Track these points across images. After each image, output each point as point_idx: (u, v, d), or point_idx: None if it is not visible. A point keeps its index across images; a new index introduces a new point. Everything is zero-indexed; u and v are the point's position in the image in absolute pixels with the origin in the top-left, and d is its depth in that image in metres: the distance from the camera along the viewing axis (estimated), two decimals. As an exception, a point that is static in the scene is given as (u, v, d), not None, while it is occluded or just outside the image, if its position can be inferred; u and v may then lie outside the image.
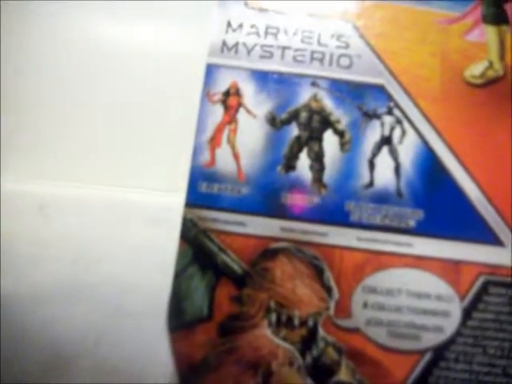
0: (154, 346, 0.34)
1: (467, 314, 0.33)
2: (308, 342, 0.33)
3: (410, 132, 0.34)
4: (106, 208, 0.39)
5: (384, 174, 0.34)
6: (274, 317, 0.33)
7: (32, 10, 0.41)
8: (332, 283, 0.33)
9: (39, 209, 0.39)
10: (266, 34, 0.35)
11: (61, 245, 0.38)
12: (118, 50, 0.40)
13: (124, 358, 0.37)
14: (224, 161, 0.34)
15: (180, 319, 0.33)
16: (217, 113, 0.34)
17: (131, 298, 0.37)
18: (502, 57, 0.35)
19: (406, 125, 0.35)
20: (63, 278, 0.38)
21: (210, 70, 0.35)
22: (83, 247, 0.38)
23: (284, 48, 0.35)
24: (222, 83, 0.35)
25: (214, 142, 0.34)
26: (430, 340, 0.33)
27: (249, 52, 0.35)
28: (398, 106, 0.35)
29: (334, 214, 0.34)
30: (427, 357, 0.33)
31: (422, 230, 0.34)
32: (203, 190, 0.34)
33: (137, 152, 0.39)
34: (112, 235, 0.38)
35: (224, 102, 0.34)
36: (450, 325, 0.33)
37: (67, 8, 0.41)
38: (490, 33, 0.35)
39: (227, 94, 0.34)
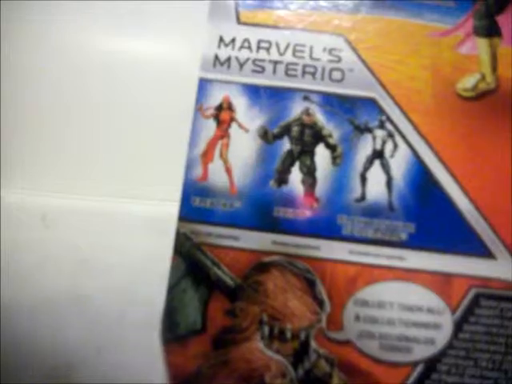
0: (154, 354, 0.34)
1: (459, 326, 0.34)
2: (300, 354, 0.34)
3: (402, 146, 0.35)
4: (107, 219, 0.39)
5: (376, 188, 0.34)
6: (266, 330, 0.34)
7: (27, 22, 0.41)
8: (324, 296, 0.34)
9: (41, 220, 0.40)
10: (258, 48, 0.35)
11: (62, 255, 0.39)
12: (114, 63, 0.40)
13: (125, 366, 0.37)
14: (216, 175, 0.34)
15: (173, 332, 0.34)
16: (209, 127, 0.35)
17: (132, 307, 0.38)
18: (494, 69, 0.35)
19: (398, 138, 0.35)
20: (65, 287, 0.38)
21: (203, 85, 0.35)
22: (85, 257, 0.39)
23: (276, 62, 0.35)
24: (215, 98, 0.35)
25: (207, 156, 0.34)
26: (422, 352, 0.34)
27: (241, 66, 0.35)
28: (389, 120, 0.35)
29: (326, 228, 0.34)
30: (419, 369, 0.34)
31: (413, 244, 0.34)
32: (196, 204, 0.34)
33: (136, 163, 0.40)
34: (113, 245, 0.39)
35: (216, 117, 0.35)
36: (442, 337, 0.34)
37: (62, 21, 0.41)
38: (481, 45, 0.35)
39: (220, 108, 0.35)
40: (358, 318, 0.34)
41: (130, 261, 0.38)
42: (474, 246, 0.34)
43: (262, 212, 0.34)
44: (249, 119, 0.35)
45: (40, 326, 0.38)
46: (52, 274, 0.39)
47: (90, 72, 0.41)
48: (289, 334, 0.34)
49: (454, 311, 0.34)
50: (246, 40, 0.35)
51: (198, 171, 0.34)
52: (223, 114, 0.35)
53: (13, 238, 0.39)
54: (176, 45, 0.39)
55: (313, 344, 0.34)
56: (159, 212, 0.36)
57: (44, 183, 0.41)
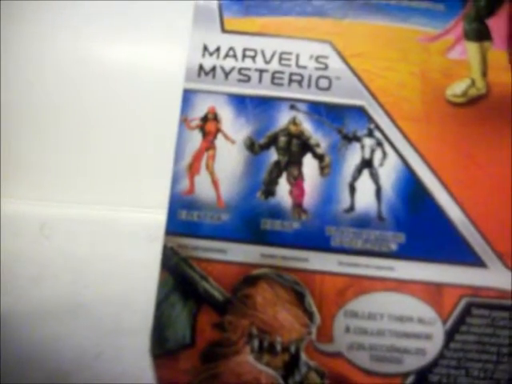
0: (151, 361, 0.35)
1: (450, 336, 0.33)
2: (290, 367, 0.33)
3: (391, 154, 0.34)
4: (105, 227, 0.39)
5: (365, 198, 0.34)
6: (256, 343, 0.33)
7: (19, 30, 0.41)
8: (313, 308, 0.33)
9: (40, 229, 0.39)
10: (244, 56, 0.35)
11: (61, 264, 0.39)
12: (108, 74, 0.40)
13: (122, 373, 0.37)
14: (203, 188, 0.34)
15: (163, 347, 0.33)
16: (195, 139, 0.34)
17: (129, 314, 0.37)
18: (484, 74, 0.34)
19: (387, 147, 0.34)
20: (63, 295, 0.38)
21: (187, 96, 0.35)
22: (83, 266, 0.38)
23: (262, 71, 0.35)
24: (200, 108, 0.34)
25: (193, 169, 0.34)
26: (413, 363, 0.33)
27: (226, 76, 0.35)
28: (378, 128, 0.34)
29: (315, 239, 0.34)
30: (410, 380, 0.33)
31: (403, 254, 0.34)
32: (183, 217, 0.34)
33: (135, 172, 0.39)
34: (111, 254, 0.39)
35: (202, 128, 0.34)
36: (433, 348, 0.33)
37: (56, 31, 0.41)
38: (471, 49, 0.35)
39: (205, 119, 0.34)
40: (348, 329, 0.33)
41: (127, 269, 0.38)
42: (464, 255, 0.34)
43: (250, 224, 0.34)
44: (235, 130, 0.34)
45: (38, 335, 0.38)
46: (50, 282, 0.39)
47: (83, 82, 0.40)
48: (279, 347, 0.33)
49: (445, 321, 0.33)
50: (231, 48, 0.35)
51: (184, 184, 0.34)
52: (209, 125, 0.34)
53: (11, 247, 0.39)
54: (162, 54, 0.39)
55: (303, 356, 0.33)
56: (158, 220, 0.36)
57: (42, 193, 0.41)
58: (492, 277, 0.33)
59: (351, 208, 0.34)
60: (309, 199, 0.34)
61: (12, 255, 0.39)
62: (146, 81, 0.39)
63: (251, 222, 0.34)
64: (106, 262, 0.38)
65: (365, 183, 0.34)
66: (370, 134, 0.34)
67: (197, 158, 0.34)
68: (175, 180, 0.34)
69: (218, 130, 0.34)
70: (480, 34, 0.35)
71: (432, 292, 0.33)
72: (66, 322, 0.38)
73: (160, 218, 0.34)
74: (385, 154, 0.34)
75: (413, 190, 0.34)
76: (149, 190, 0.37)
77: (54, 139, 0.40)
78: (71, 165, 0.40)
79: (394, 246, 0.34)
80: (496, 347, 0.33)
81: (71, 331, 0.38)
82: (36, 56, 0.41)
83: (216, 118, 0.34)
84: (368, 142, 0.34)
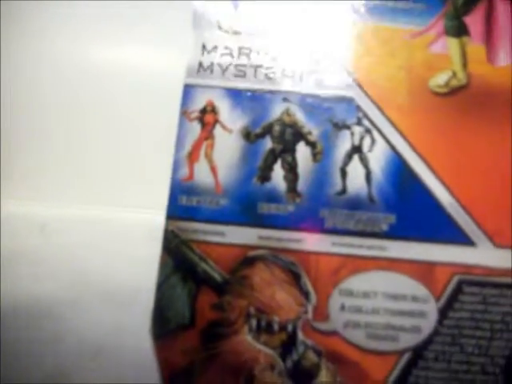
0: (152, 360, 0.35)
1: (443, 313, 0.34)
2: (288, 346, 0.34)
3: (380, 140, 0.36)
4: (105, 227, 0.40)
5: (356, 182, 0.36)
6: (254, 322, 0.34)
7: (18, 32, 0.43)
8: (309, 288, 0.34)
9: (40, 229, 0.41)
10: (240, 54, 0.37)
11: (61, 263, 0.40)
12: (108, 73, 0.42)
13: (122, 371, 0.38)
14: (202, 174, 0.36)
15: (163, 327, 0.34)
16: (194, 130, 0.36)
17: (130, 313, 0.38)
18: (464, 66, 0.37)
19: (376, 134, 0.36)
20: (63, 295, 0.39)
21: (188, 90, 0.37)
22: (83, 266, 0.39)
23: (256, 67, 0.37)
24: (199, 102, 0.37)
25: (192, 157, 0.36)
26: (408, 340, 0.34)
27: (223, 72, 0.37)
28: (366, 117, 0.36)
29: (309, 221, 0.35)
30: (406, 357, 0.34)
31: (394, 234, 0.35)
32: (183, 202, 0.35)
33: (136, 172, 0.41)
34: (111, 254, 0.40)
35: (201, 120, 0.36)
36: (427, 325, 0.34)
37: (55, 32, 0.43)
38: (452, 44, 0.37)
39: (204, 111, 0.36)
40: (343, 308, 0.34)
41: (127, 268, 0.39)
42: (454, 235, 0.35)
43: (247, 208, 0.35)
44: (232, 121, 0.36)
45: (37, 333, 0.39)
46: (50, 281, 0.39)
47: (83, 83, 0.42)
48: (276, 326, 0.34)
49: (438, 299, 0.34)
50: (228, 47, 0.37)
51: (184, 171, 0.36)
52: (207, 117, 0.36)
53: (11, 247, 0.40)
54: (162, 53, 0.41)
55: (300, 335, 0.34)
56: (157, 221, 0.37)
57: (43, 193, 0.42)
58: (481, 255, 0.35)
59: (343, 191, 0.35)
60: (302, 183, 0.35)
61: (12, 255, 0.40)
62: (144, 82, 0.41)
63: (248, 205, 0.35)
64: (106, 262, 0.39)
65: (355, 168, 0.36)
66: (359, 123, 0.36)
67: (196, 146, 0.36)
68: (176, 167, 0.36)
69: (216, 121, 0.36)
70: (459, 30, 0.37)
71: (424, 270, 0.35)
72: (66, 321, 0.38)
73: (159, 218, 0.36)
74: (373, 141, 0.36)
75: (401, 174, 0.35)
76: (149, 191, 0.39)
77: (54, 140, 0.42)
78: (71, 165, 0.41)
79: (385, 227, 0.35)
80: (489, 324, 0.34)
81: (71, 330, 0.38)
82: (35, 56, 0.43)
83: (214, 110, 0.36)
84: (357, 129, 0.36)
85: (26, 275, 0.40)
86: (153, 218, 0.37)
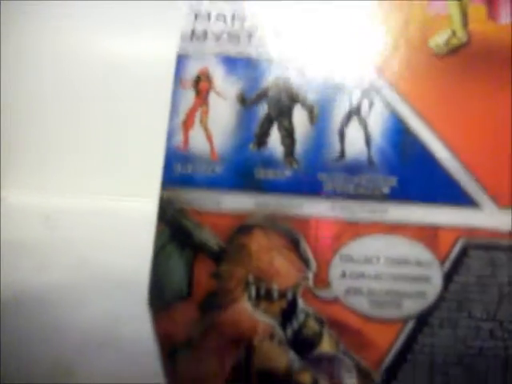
0: (154, 350, 0.34)
1: (448, 278, 0.33)
2: (288, 314, 0.33)
3: (378, 103, 0.35)
4: (109, 217, 0.40)
5: (355, 145, 0.35)
6: (252, 290, 0.33)
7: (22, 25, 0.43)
8: (309, 254, 0.33)
9: (45, 220, 0.40)
10: (233, 20, 0.37)
11: (65, 253, 0.39)
12: (108, 65, 0.42)
13: (127, 360, 0.37)
14: (197, 142, 0.35)
15: (160, 299, 0.34)
16: (189, 97, 0.36)
17: (133, 303, 0.37)
18: (464, 25, 0.36)
19: (374, 96, 0.35)
20: (68, 284, 0.39)
21: (181, 59, 0.36)
22: (86, 255, 0.39)
23: (250, 33, 0.36)
24: (193, 70, 0.36)
25: (187, 124, 0.35)
26: (413, 307, 0.33)
27: (217, 39, 0.36)
28: (364, 79, 0.35)
29: (308, 186, 0.34)
30: (410, 324, 0.33)
31: (396, 197, 0.34)
32: (178, 171, 0.35)
33: (141, 162, 0.40)
34: (114, 243, 0.39)
35: (195, 87, 0.36)
36: (432, 290, 0.33)
37: (56, 24, 0.43)
38: (452, 5, 0.36)
39: (198, 79, 0.36)
40: (344, 274, 0.33)
41: (130, 258, 0.39)
42: (457, 197, 0.34)
43: (244, 175, 0.34)
44: (227, 87, 0.36)
45: (41, 324, 0.38)
46: (55, 270, 0.39)
47: (85, 73, 0.42)
48: (275, 294, 0.33)
49: (442, 263, 0.33)
50: (221, 14, 0.37)
51: (178, 139, 0.35)
52: (201, 84, 0.36)
53: (16, 238, 0.40)
54: (153, 42, 0.41)
55: (300, 303, 0.33)
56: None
57: (48, 184, 0.42)
58: (486, 217, 0.33)
59: (342, 154, 0.34)
60: (300, 148, 0.35)
61: (17, 246, 0.40)
62: (143, 72, 0.41)
63: (245, 172, 0.34)
64: (110, 251, 0.39)
65: (354, 130, 0.35)
66: (357, 85, 0.35)
67: (191, 114, 0.35)
68: (170, 135, 0.35)
69: (211, 88, 0.35)
70: (458, -10, 0.36)
71: (427, 234, 0.33)
72: (70, 310, 0.38)
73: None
74: (371, 103, 0.35)
75: (401, 136, 0.34)
76: (152, 181, 0.38)
77: (57, 131, 0.42)
78: (74, 156, 0.41)
79: (386, 190, 0.34)
80: (496, 287, 0.33)
81: (75, 320, 0.38)
82: (37, 47, 0.43)
83: (208, 78, 0.36)
84: (355, 91, 0.35)
85: (29, 265, 0.40)
86: (155, 207, 0.36)
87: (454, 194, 0.34)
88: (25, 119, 0.42)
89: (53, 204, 0.41)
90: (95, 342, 0.38)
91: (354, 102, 0.35)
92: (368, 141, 0.34)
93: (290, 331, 0.33)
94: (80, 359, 0.38)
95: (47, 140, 0.42)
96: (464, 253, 0.33)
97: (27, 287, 0.39)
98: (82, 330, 0.38)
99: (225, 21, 0.37)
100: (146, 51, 0.42)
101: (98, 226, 0.40)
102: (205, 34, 0.37)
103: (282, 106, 0.35)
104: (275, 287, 0.33)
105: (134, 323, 0.38)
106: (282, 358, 0.33)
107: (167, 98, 0.36)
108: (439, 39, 0.35)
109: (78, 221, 0.40)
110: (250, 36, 0.36)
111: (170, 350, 0.33)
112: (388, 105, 0.35)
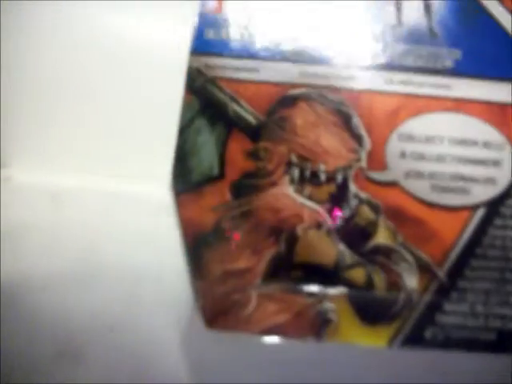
0: (169, 332, 0.33)
1: (522, 161, 0.29)
2: (337, 200, 0.28)
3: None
4: (118, 198, 0.38)
5: (413, 13, 0.30)
6: (296, 172, 0.28)
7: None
8: (362, 131, 0.29)
9: (51, 199, 0.38)
10: None
11: (74, 233, 0.37)
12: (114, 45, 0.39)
13: (139, 344, 0.35)
14: (233, 5, 0.30)
15: (187, 180, 0.28)
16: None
17: (143, 286, 0.36)
18: None
19: (434, -37, 0.31)
20: (76, 265, 0.36)
21: None
22: (95, 237, 0.37)
23: None
24: None
25: (221, -14, 0.31)
26: (482, 193, 0.28)
27: None
28: None
29: (360, 56, 0.30)
30: (480, 213, 0.28)
31: (461, 71, 0.30)
32: (210, 36, 0.30)
33: (147, 144, 0.38)
34: (123, 225, 0.37)
35: None
36: (504, 175, 0.28)
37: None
38: None
39: None
40: (403, 154, 0.29)
41: (140, 240, 0.36)
42: (530, 73, 0.29)
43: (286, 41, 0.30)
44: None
45: (49, 306, 0.36)
46: (63, 251, 0.37)
47: (93, 51, 0.40)
48: (323, 176, 0.28)
49: (514, 145, 0.29)
50: None
51: (212, 3, 0.30)
52: None
53: (22, 218, 0.38)
54: (166, 25, 0.38)
55: (352, 187, 0.28)
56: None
57: (55, 163, 0.40)
58: None
59: (398, 23, 0.30)
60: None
61: (23, 226, 0.37)
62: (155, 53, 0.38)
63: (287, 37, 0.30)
64: (119, 233, 0.37)
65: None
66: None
67: (225, -24, 0.31)
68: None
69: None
70: None
71: (496, 112, 0.29)
72: (79, 294, 0.36)
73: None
74: (432, -30, 0.31)
75: (466, 4, 0.30)
76: (162, 163, 0.35)
77: (66, 109, 0.40)
78: (83, 135, 0.39)
79: (449, 63, 0.30)
80: None
81: (84, 303, 0.36)
82: (45, 21, 0.40)
83: None
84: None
85: (36, 246, 0.37)
86: (166, 189, 0.33)
87: (526, 69, 0.29)
88: (29, 94, 0.40)
89: (61, 183, 0.39)
90: (106, 327, 0.35)
91: (412, -32, 0.31)
92: (428, 8, 0.30)
93: (340, 219, 0.28)
94: (90, 344, 0.35)
95: (54, 116, 0.41)
96: (539, 134, 0.29)
97: (35, 268, 0.37)
98: (92, 313, 0.36)
99: None
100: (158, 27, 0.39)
101: (108, 206, 0.38)
102: None
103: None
104: (322, 169, 0.28)
105: (146, 306, 0.35)
106: (331, 250, 0.28)
107: (180, 80, 0.32)
108: None
109: (87, 201, 0.39)
110: None
111: (196, 240, 0.28)
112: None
